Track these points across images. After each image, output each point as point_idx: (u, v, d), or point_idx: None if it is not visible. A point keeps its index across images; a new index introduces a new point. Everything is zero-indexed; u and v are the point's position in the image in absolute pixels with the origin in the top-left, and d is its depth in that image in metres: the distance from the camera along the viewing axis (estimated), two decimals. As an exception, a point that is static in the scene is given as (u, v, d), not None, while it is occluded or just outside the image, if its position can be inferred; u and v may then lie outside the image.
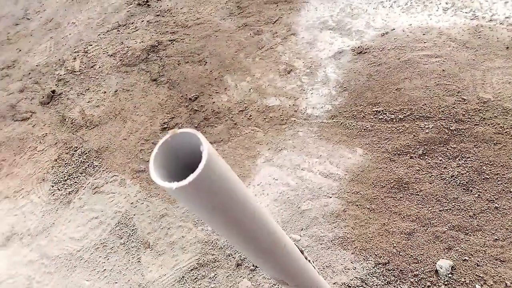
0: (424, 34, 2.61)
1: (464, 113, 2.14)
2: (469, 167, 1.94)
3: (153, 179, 0.44)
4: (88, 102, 3.17)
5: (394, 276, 1.68)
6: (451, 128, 2.10)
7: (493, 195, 1.83)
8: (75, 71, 3.51)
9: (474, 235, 1.73)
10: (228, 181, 0.53)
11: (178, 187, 0.44)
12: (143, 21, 3.72)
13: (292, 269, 0.94)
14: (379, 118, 2.28)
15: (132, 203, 2.38)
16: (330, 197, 2.03)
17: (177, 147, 0.49)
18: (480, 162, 1.94)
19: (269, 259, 0.86)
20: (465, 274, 1.62)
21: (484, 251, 1.67)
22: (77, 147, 2.84)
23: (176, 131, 0.47)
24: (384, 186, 2.00)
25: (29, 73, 3.68)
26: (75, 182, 2.62)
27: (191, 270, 1.98)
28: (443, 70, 2.36)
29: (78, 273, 2.17)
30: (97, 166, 2.67)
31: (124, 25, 3.79)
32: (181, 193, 0.45)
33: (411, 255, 1.73)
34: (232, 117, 2.63)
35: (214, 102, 2.77)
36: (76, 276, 2.16)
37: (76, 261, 2.21)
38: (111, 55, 3.50)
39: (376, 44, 2.68)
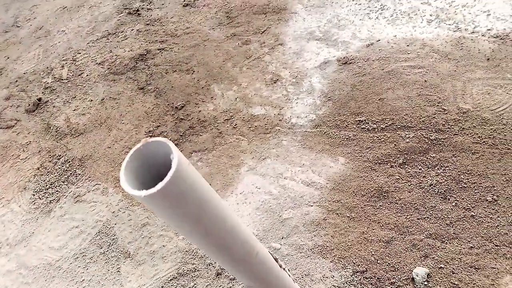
0: (408, 45, 2.64)
1: (444, 123, 2.16)
2: (448, 176, 1.96)
3: (123, 187, 0.44)
4: (74, 110, 3.17)
5: (371, 284, 1.68)
6: (431, 137, 2.12)
7: (469, 204, 1.84)
8: (62, 79, 3.51)
9: (450, 243, 1.74)
10: (198, 189, 0.53)
11: (147, 195, 0.44)
12: (132, 29, 3.74)
13: (265, 277, 0.94)
14: (362, 128, 2.30)
15: (113, 212, 2.36)
16: (311, 206, 2.04)
17: (149, 156, 0.49)
18: (458, 171, 1.96)
19: (241, 267, 0.86)
20: (441, 282, 1.62)
21: (459, 258, 1.68)
22: (60, 155, 2.82)
23: (148, 139, 0.47)
24: (365, 195, 2.01)
25: (16, 81, 3.67)
26: (57, 191, 2.60)
27: (171, 279, 1.96)
28: (425, 80, 2.39)
29: (56, 283, 2.14)
30: (79, 174, 2.66)
31: (114, 33, 3.81)
32: (151, 201, 0.46)
33: (388, 263, 1.73)
34: (217, 126, 2.64)
35: (200, 111, 2.78)
36: (54, 287, 2.13)
37: (54, 271, 2.19)
38: (99, 63, 3.51)
39: (361, 54, 2.71)
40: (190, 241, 0.67)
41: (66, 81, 3.47)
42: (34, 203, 2.59)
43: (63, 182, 2.65)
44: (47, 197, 2.60)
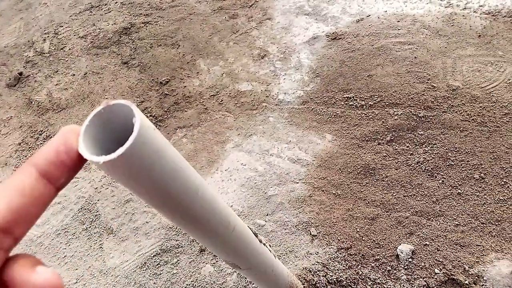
0: (398, 21, 2.58)
1: (433, 100, 2.13)
2: (435, 153, 1.94)
3: (81, 152, 0.40)
4: (56, 84, 3.07)
5: (355, 261, 1.67)
6: (419, 115, 2.09)
7: (456, 182, 1.83)
8: (44, 53, 3.39)
9: (436, 221, 1.73)
10: (164, 156, 0.48)
11: (106, 161, 0.39)
12: (116, 2, 3.61)
13: (244, 252, 0.90)
14: (350, 105, 2.26)
15: (96, 188, 2.31)
16: (297, 183, 2.01)
17: (110, 120, 0.44)
18: (446, 149, 1.94)
19: (217, 242, 0.82)
20: (425, 259, 1.62)
21: (445, 236, 1.67)
22: (42, 130, 2.74)
23: (109, 101, 0.42)
24: (351, 172, 1.98)
25: (-4, 54, 3.54)
26: (38, 166, 2.53)
27: (154, 256, 1.93)
28: (415, 57, 2.35)
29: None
30: (62, 149, 2.59)
31: (97, 6, 3.67)
32: (111, 168, 0.41)
33: (373, 240, 1.72)
34: (203, 101, 2.58)
35: (185, 86, 2.70)
36: (36, 262, 2.09)
37: (36, 247, 2.14)
38: (82, 37, 3.39)
39: (351, 30, 2.64)
40: (157, 211, 0.62)
41: (48, 55, 3.35)
42: (15, 179, 2.52)
43: (44, 158, 2.58)
44: (28, 173, 2.53)
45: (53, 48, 3.39)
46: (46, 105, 2.94)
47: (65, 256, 2.08)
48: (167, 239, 1.98)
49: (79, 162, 0.40)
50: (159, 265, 1.90)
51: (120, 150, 0.39)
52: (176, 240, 1.96)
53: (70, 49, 3.32)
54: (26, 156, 2.63)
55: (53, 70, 3.20)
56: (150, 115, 2.58)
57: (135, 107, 0.41)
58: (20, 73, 3.25)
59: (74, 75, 3.09)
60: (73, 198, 2.31)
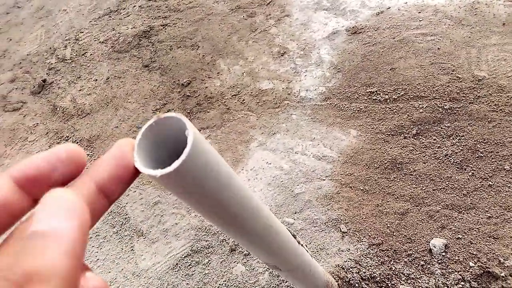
0: (419, 12, 2.55)
1: (458, 91, 2.10)
2: (463, 145, 1.91)
3: (137, 166, 0.40)
4: (80, 90, 3.13)
5: (387, 256, 1.67)
6: (445, 107, 2.06)
7: (486, 173, 1.80)
8: (66, 59, 3.46)
9: (467, 213, 1.71)
10: (216, 167, 0.49)
11: (162, 175, 0.40)
12: (134, 6, 3.65)
13: (284, 254, 0.92)
14: (373, 99, 2.24)
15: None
16: (324, 180, 2.01)
17: (162, 133, 0.44)
18: (474, 141, 1.91)
19: (260, 245, 0.83)
20: (459, 252, 1.61)
21: (477, 229, 1.65)
22: (68, 136, 2.81)
23: (160, 115, 0.43)
24: (378, 167, 1.97)
25: (20, 63, 3.63)
26: (68, 171, 2.59)
27: (185, 257, 1.97)
28: (438, 48, 2.31)
29: (72, 261, 2.16)
30: (88, 155, 2.64)
31: (116, 10, 3.72)
32: (167, 181, 0.42)
33: (404, 235, 1.72)
34: (225, 101, 2.60)
35: (206, 87, 2.73)
36: (71, 264, 2.15)
37: (70, 249, 2.20)
38: (103, 42, 3.45)
39: (371, 23, 2.62)
40: (207, 220, 0.63)
41: (70, 61, 3.42)
42: (45, 184, 2.59)
43: (72, 163, 2.64)
44: (57, 178, 2.59)
45: (74, 54, 3.45)
46: (70, 111, 3.00)
47: (97, 259, 2.13)
48: (197, 240, 2.01)
49: (135, 175, 0.40)
50: (190, 266, 1.93)
51: (176, 163, 0.39)
52: (206, 241, 1.99)
53: (91, 54, 3.38)
54: (54, 162, 2.70)
55: (75, 76, 3.27)
56: (174, 117, 2.61)
57: (186, 120, 0.42)
58: (44, 80, 3.33)
59: (96, 80, 3.15)
60: (103, 201, 2.36)
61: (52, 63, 3.47)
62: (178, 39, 3.14)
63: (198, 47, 3.02)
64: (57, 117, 3.01)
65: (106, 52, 3.34)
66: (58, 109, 3.05)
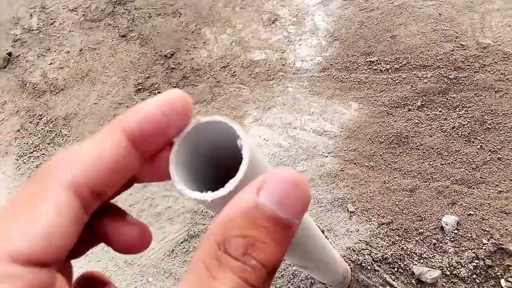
0: (417, -25, 2.41)
1: (463, 60, 2.00)
2: (470, 117, 1.84)
3: (178, 189, 0.31)
4: (50, 64, 2.86)
5: (398, 236, 1.60)
6: (450, 76, 1.97)
7: (495, 146, 1.74)
8: (32, 30, 3.15)
9: (477, 188, 1.66)
10: None
11: (215, 199, 0.29)
12: (105, -30, 3.33)
13: (319, 256, 0.83)
14: (374, 69, 2.12)
15: (110, 173, 2.19)
16: (326, 157, 1.91)
17: (198, 141, 0.35)
18: (482, 112, 1.84)
19: (299, 255, 0.73)
20: (471, 229, 1.56)
21: (488, 204, 1.60)
22: (41, 114, 2.57)
23: (200, 119, 0.33)
24: (383, 142, 1.88)
25: (-20, 34, 3.28)
26: (43, 154, 2.39)
27: (182, 242, 1.85)
28: (440, 14, 2.20)
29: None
30: (66, 135, 2.43)
31: (84, -25, 3.39)
32: (218, 204, 0.31)
33: (414, 213, 1.65)
34: (213, 74, 2.42)
35: (192, 58, 2.53)
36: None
37: (54, 238, 2.04)
38: (72, 9, 3.15)
39: (366, -13, 2.46)
40: None
41: (37, 31, 3.11)
42: (19, 168, 2.38)
43: (48, 144, 2.43)
44: (32, 161, 2.38)
45: (42, 24, 3.14)
46: (42, 86, 2.75)
47: (86, 246, 1.99)
48: (193, 224, 1.89)
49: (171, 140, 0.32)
50: (188, 252, 1.82)
51: (232, 184, 0.29)
52: (203, 224, 1.87)
53: (60, 24, 3.08)
54: (27, 144, 2.48)
55: (44, 48, 2.98)
56: (159, 92, 2.42)
57: (237, 126, 0.32)
58: (9, 54, 3.02)
59: (68, 52, 2.88)
60: (86, 185, 2.19)
61: (17, 34, 3.15)
62: (157, 6, 2.89)
63: (180, 14, 2.79)
64: (27, 93, 2.75)
65: (77, 21, 3.05)
66: (27, 85, 2.79)
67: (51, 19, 3.16)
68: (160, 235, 1.92)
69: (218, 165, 0.38)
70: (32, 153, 2.42)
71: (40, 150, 2.42)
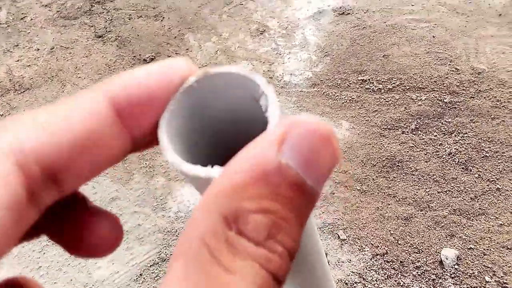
0: (411, -4, 2.36)
1: (458, 84, 1.94)
2: (467, 144, 1.75)
3: (171, 162, 0.21)
4: (17, 60, 2.62)
5: (394, 269, 1.47)
6: (445, 100, 1.89)
7: (494, 175, 1.66)
8: (0, 23, 2.90)
9: (477, 220, 1.55)
10: None
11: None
12: (84, -33, 3.14)
13: (324, 280, 0.68)
14: (366, 88, 2.02)
15: (74, 183, 1.96)
16: (315, 177, 1.77)
17: (200, 100, 0.25)
18: (478, 139, 1.76)
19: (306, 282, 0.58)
20: (472, 265, 1.44)
21: (489, 237, 1.50)
22: (2, 115, 2.32)
23: (209, 70, 0.23)
24: (375, 165, 1.76)
25: None
26: (0, 158, 2.13)
27: (151, 265, 1.64)
28: (434, 36, 2.14)
29: (5, 271, 1.75)
30: (29, 138, 2.20)
31: (61, -29, 3.19)
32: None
33: (411, 244, 1.52)
34: (195, 82, 2.26)
35: (173, 64, 2.36)
36: (3, 275, 1.74)
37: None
38: (46, 5, 2.93)
39: (360, 5, 2.39)
40: None
41: (6, 25, 2.87)
42: (-29, 173, 2.12)
43: (6, 148, 2.18)
44: (-13, 166, 2.13)
45: (11, 18, 2.90)
46: (6, 84, 2.50)
47: (40, 267, 1.74)
48: (166, 245, 1.69)
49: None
50: (158, 277, 1.61)
51: None
52: (177, 246, 1.68)
53: (32, 19, 2.85)
54: (-17, 146, 2.22)
55: (12, 43, 2.74)
56: (135, 98, 2.23)
57: (261, 79, 0.23)
58: (-29, 46, 2.76)
59: (38, 49, 2.65)
60: (46, 196, 1.96)
61: (-19, 26, 2.89)
62: (138, 8, 2.73)
63: (163, 18, 2.63)
64: (-12, 91, 2.49)
65: (50, 17, 2.84)
66: (-12, 81, 2.53)
67: (22, 13, 2.92)
68: (127, 256, 1.70)
69: (218, 136, 0.29)
70: (-14, 157, 2.16)
71: None
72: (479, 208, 1.57)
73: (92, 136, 0.20)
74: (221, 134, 0.28)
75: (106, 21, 2.70)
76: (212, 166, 0.20)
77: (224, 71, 0.23)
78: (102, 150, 0.20)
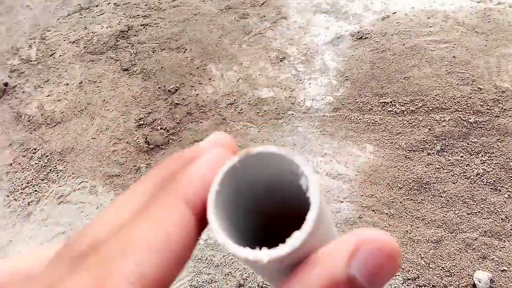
0: (429, 18, 2.39)
1: (482, 103, 1.94)
2: (495, 163, 1.74)
3: (222, 243, 0.23)
4: (48, 96, 2.75)
5: (427, 294, 1.45)
6: (469, 120, 1.89)
7: (524, 195, 1.64)
8: (31, 61, 3.06)
9: (509, 241, 1.53)
10: (331, 231, 0.29)
11: (273, 259, 0.21)
12: (109, 3, 3.30)
13: None
14: (388, 110, 2.04)
15: (106, 213, 2.03)
16: (342, 202, 1.78)
17: (243, 179, 0.26)
18: (506, 158, 1.75)
19: None
20: (506, 287, 1.42)
21: (524, 260, 1.47)
22: (36, 148, 2.43)
23: (251, 150, 0.26)
24: (402, 187, 1.77)
25: (-24, 63, 3.18)
26: (35, 191, 2.22)
27: (184, 293, 1.67)
28: (454, 56, 2.15)
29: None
30: (61, 171, 2.28)
31: (87, 8, 3.35)
32: (274, 267, 0.23)
33: (442, 267, 1.51)
34: (219, 111, 2.32)
35: (197, 94, 2.44)
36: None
37: None
38: (73, 41, 3.08)
39: (377, 28, 2.44)
40: None
41: (36, 62, 3.02)
42: (9, 205, 2.21)
43: (42, 180, 2.28)
44: (24, 198, 2.22)
45: (41, 55, 3.06)
46: (38, 119, 2.62)
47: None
48: (197, 273, 1.72)
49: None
50: (191, 305, 1.64)
51: (298, 239, 0.22)
52: (208, 274, 1.71)
53: (60, 55, 3.00)
54: (19, 179, 2.31)
55: (42, 79, 2.88)
56: (161, 128, 2.31)
57: (301, 159, 0.24)
58: (6, 84, 2.91)
59: (67, 84, 2.78)
60: (80, 226, 2.02)
61: (14, 65, 3.06)
62: (161, 41, 2.84)
63: (185, 49, 2.73)
64: (22, 126, 2.62)
65: (78, 53, 2.98)
66: (23, 116, 2.66)
67: (51, 50, 3.08)
68: (159, 285, 1.74)
69: (258, 207, 0.30)
70: (24, 189, 2.25)
71: (33, 186, 2.26)
72: (511, 229, 1.55)
73: (187, 249, 0.22)
74: (261, 204, 0.30)
75: (131, 55, 2.82)
76: (260, 247, 0.22)
77: (265, 151, 0.25)
78: (190, 253, 0.22)
